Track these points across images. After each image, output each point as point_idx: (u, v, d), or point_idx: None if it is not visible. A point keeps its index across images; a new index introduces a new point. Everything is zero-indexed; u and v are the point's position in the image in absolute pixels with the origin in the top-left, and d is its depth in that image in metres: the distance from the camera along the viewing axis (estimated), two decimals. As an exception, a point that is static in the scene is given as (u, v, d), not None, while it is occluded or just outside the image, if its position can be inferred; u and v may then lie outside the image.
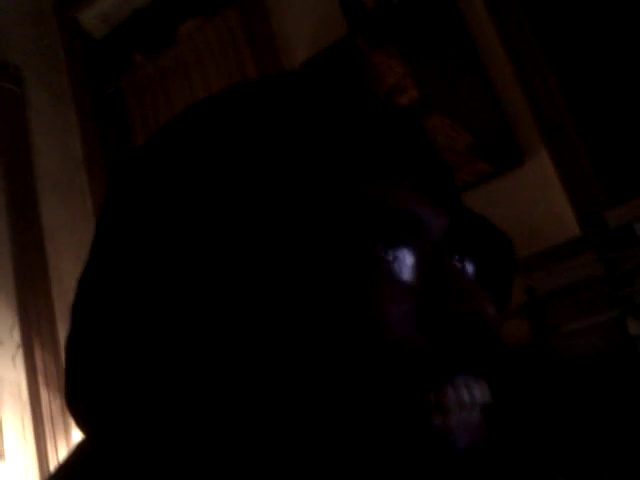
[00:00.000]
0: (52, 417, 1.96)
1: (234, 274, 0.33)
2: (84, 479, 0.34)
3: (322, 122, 0.37)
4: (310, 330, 0.32)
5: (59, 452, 1.92)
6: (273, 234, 0.34)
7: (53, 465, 1.88)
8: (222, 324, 0.33)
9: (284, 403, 0.32)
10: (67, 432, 1.98)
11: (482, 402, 0.34)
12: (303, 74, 0.42)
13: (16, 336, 2.03)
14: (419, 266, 0.35)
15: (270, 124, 0.37)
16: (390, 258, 0.34)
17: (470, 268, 0.39)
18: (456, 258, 0.38)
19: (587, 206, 1.51)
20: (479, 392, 0.34)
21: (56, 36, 2.68)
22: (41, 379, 1.99)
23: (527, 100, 1.63)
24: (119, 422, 0.35)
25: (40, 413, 1.94)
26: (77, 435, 2.00)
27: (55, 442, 1.93)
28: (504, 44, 1.67)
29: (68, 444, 1.96)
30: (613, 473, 1.31)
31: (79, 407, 0.37)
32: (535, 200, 1.59)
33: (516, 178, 1.62)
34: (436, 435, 0.32)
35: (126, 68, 2.58)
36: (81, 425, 0.37)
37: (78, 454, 0.37)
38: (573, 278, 1.41)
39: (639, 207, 1.39)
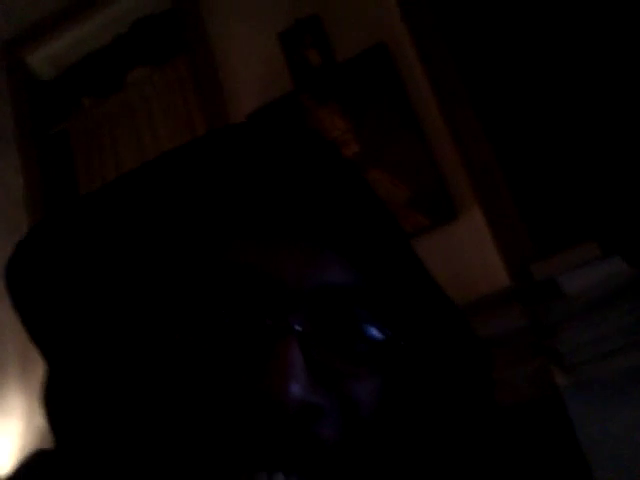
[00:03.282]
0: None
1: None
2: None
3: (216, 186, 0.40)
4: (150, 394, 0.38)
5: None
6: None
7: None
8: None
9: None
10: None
11: None
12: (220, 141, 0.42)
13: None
14: (244, 336, 0.37)
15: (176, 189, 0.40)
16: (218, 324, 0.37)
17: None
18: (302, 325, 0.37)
19: (516, 259, 1.59)
20: None
21: (2, 76, 2.67)
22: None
23: (460, 158, 1.72)
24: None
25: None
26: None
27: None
28: (439, 105, 1.77)
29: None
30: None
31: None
32: (468, 253, 1.66)
33: (451, 231, 1.69)
34: None
35: (73, 111, 2.59)
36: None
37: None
38: (500, 329, 1.48)
39: (563, 261, 1.47)
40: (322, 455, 0.36)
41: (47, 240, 0.40)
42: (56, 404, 0.42)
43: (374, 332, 0.40)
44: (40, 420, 2.05)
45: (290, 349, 0.35)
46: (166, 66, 2.38)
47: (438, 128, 1.76)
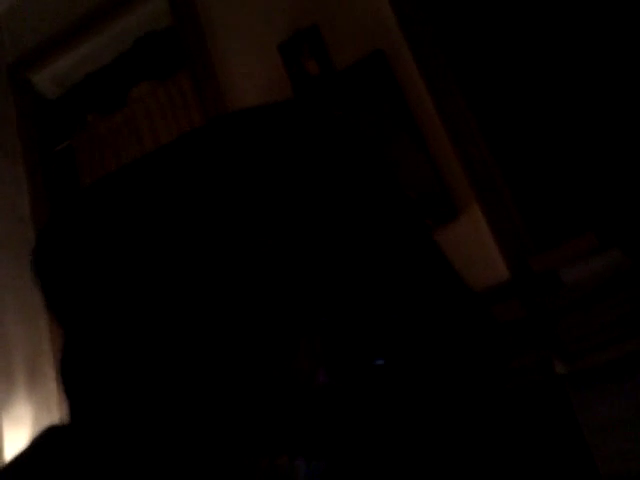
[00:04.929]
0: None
1: None
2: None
3: None
4: None
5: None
6: None
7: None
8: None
9: None
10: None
11: None
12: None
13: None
14: None
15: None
16: None
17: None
18: None
19: (516, 254, 1.62)
20: None
21: (8, 95, 2.72)
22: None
23: (460, 160, 1.76)
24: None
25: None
26: None
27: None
28: (437, 107, 1.82)
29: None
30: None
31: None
32: (469, 250, 1.70)
33: (452, 230, 1.73)
34: None
35: (78, 128, 2.64)
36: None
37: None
38: (501, 322, 1.50)
39: (562, 254, 1.50)
40: (343, 440, 0.38)
41: (75, 217, 0.44)
42: (73, 373, 0.43)
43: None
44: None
45: (317, 337, 0.38)
46: (169, 81, 2.43)
47: (436, 130, 1.81)
